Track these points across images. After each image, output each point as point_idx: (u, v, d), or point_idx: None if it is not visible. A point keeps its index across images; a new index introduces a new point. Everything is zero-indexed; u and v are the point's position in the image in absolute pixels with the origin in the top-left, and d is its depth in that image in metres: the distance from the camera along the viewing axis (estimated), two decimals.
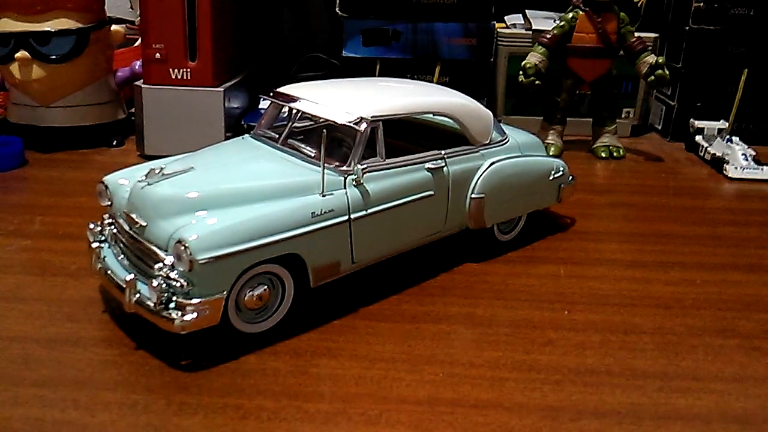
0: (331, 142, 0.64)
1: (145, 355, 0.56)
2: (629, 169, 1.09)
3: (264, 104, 1.15)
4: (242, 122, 1.09)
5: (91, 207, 0.83)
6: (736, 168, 1.04)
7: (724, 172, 1.05)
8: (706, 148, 1.12)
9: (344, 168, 0.61)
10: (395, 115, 0.64)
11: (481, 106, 0.74)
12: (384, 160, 0.63)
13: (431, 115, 0.75)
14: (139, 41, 1.30)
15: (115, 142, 1.09)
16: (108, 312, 0.62)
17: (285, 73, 1.39)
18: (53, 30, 0.99)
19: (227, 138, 1.02)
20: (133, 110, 1.10)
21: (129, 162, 1.03)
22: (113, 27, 1.08)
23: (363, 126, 0.61)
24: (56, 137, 1.04)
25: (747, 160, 1.05)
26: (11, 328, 0.59)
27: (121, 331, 0.59)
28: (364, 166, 0.61)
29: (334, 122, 0.62)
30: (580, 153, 1.15)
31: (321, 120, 0.65)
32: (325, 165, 0.59)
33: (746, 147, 1.08)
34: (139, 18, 1.33)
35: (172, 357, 0.55)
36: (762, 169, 1.04)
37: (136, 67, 1.09)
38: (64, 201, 0.87)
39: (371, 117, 0.62)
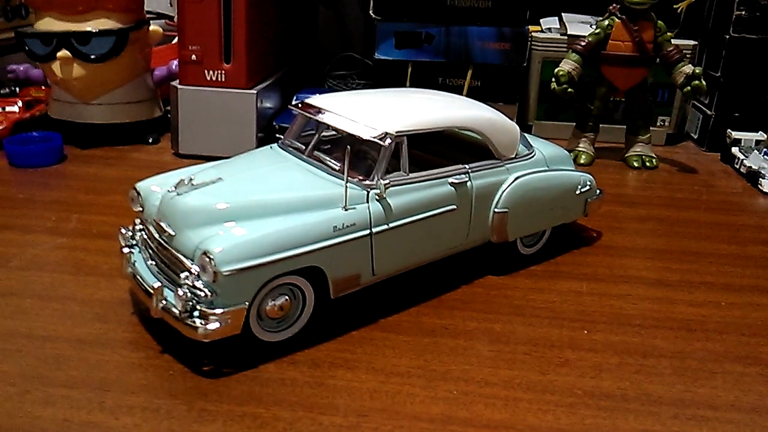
0: (356, 154, 0.65)
1: (169, 359, 0.58)
2: (661, 181, 1.08)
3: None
4: (274, 123, 1.10)
5: (126, 206, 0.85)
6: None
7: (760, 186, 1.03)
8: (742, 160, 1.10)
9: (367, 182, 0.62)
10: (420, 130, 0.65)
11: (508, 119, 0.74)
12: (407, 175, 0.64)
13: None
14: (177, 39, 1.33)
15: (151, 140, 1.12)
16: (137, 314, 0.64)
17: (319, 72, 1.40)
18: (94, 30, 1.02)
19: (259, 138, 1.05)
20: (169, 108, 1.13)
21: (164, 159, 1.06)
22: (152, 27, 1.10)
23: (387, 141, 0.62)
24: (94, 134, 1.07)
25: None
26: (45, 327, 0.61)
27: (148, 334, 0.61)
28: (387, 180, 0.62)
29: (360, 137, 0.63)
30: (612, 161, 1.14)
31: (346, 133, 0.65)
32: (349, 179, 0.60)
33: None
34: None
35: (195, 362, 0.57)
36: None
37: (173, 66, 1.12)
38: (99, 199, 0.89)
39: (396, 132, 0.62)
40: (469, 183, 0.68)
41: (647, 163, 1.12)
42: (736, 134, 1.14)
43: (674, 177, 1.09)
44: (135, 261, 0.62)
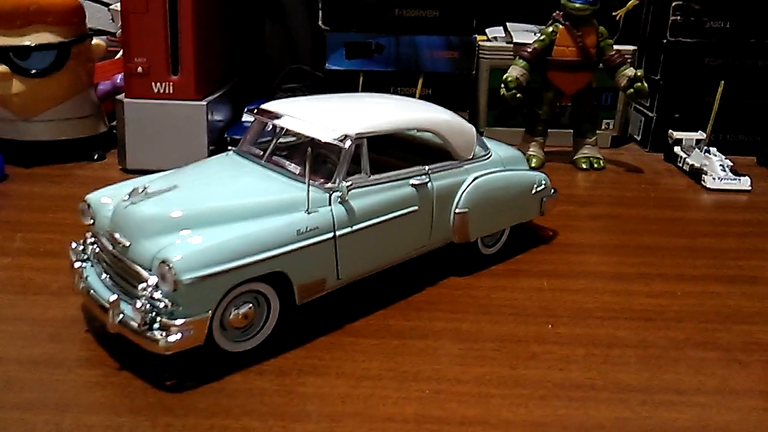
0: (316, 158, 0.64)
1: (128, 376, 0.55)
2: (610, 180, 1.10)
3: (247, 117, 1.14)
4: (225, 135, 1.08)
5: (73, 223, 0.82)
6: (714, 179, 1.06)
7: (703, 182, 1.07)
8: (685, 158, 1.14)
9: (329, 185, 0.61)
10: (379, 132, 0.65)
11: (465, 121, 0.74)
12: (368, 177, 0.63)
13: (415, 131, 0.75)
14: (121, 53, 1.30)
15: (96, 156, 1.08)
16: (91, 331, 0.61)
17: (268, 85, 1.39)
18: (33, 44, 0.98)
19: (210, 151, 1.03)
20: (114, 123, 1.10)
21: (110, 176, 1.03)
22: (94, 40, 1.07)
23: (348, 143, 0.61)
24: (37, 151, 1.03)
25: (725, 170, 1.07)
26: None
27: (103, 351, 0.58)
28: (349, 182, 0.61)
29: (319, 140, 0.62)
30: (561, 164, 1.16)
31: (305, 137, 0.65)
32: (310, 182, 0.59)
33: (723, 158, 1.09)
34: (120, 30, 1.33)
35: (156, 377, 0.55)
36: (739, 179, 1.05)
37: (118, 80, 1.09)
38: (45, 217, 0.86)
39: (356, 134, 0.62)
40: (429, 184, 0.68)
41: (595, 165, 1.15)
42: (677, 134, 1.18)
43: (622, 177, 1.12)
44: (88, 276, 0.60)
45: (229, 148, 1.02)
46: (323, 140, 0.62)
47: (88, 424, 0.49)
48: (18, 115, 1.01)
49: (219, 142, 1.07)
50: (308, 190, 0.59)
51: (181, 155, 0.98)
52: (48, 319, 0.63)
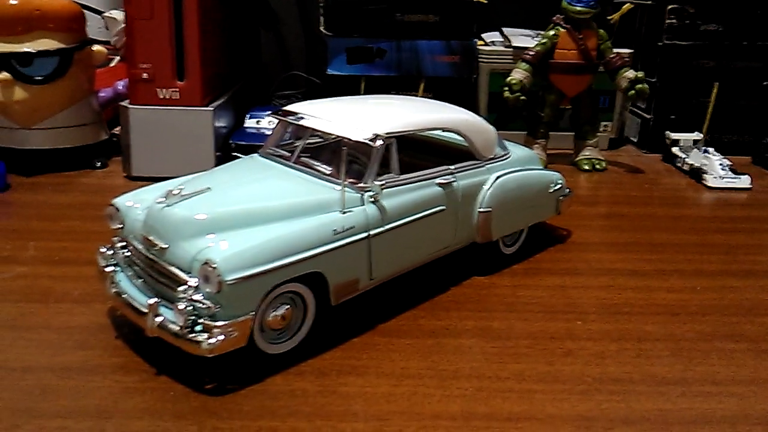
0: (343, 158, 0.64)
1: (167, 381, 0.54)
2: (612, 181, 1.12)
3: (250, 122, 1.14)
4: (230, 141, 1.08)
5: (84, 231, 0.82)
6: (714, 177, 1.08)
7: (704, 181, 1.09)
8: (684, 159, 1.16)
9: (361, 184, 0.61)
10: (408, 131, 0.65)
11: (485, 121, 0.75)
12: (398, 177, 0.63)
13: (436, 131, 0.76)
14: (116, 61, 1.29)
15: (98, 164, 1.06)
16: (121, 337, 0.60)
17: (265, 92, 1.38)
18: (35, 51, 0.97)
19: (217, 157, 1.02)
20: (114, 131, 1.08)
21: (115, 183, 1.02)
22: (95, 47, 1.06)
23: (378, 143, 0.61)
24: (38, 160, 1.01)
25: (724, 169, 1.09)
26: (22, 358, 0.57)
27: (137, 357, 0.57)
28: (382, 182, 0.61)
29: (349, 139, 0.62)
30: (563, 166, 1.17)
31: (333, 137, 0.64)
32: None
33: (722, 157, 1.12)
34: (114, 38, 1.31)
35: (195, 381, 0.54)
36: (740, 178, 1.08)
37: (119, 87, 1.07)
38: (54, 225, 0.84)
39: (386, 134, 0.62)
40: (455, 183, 0.68)
41: (597, 166, 1.16)
42: (674, 135, 1.20)
43: (624, 177, 1.14)
44: (120, 280, 0.59)
45: (234, 154, 1.02)
46: (354, 140, 0.62)
47: (133, 430, 0.48)
48: (19, 124, 0.99)
49: (224, 147, 1.06)
50: (343, 190, 0.58)
51: (187, 162, 0.97)
52: (74, 327, 0.61)
